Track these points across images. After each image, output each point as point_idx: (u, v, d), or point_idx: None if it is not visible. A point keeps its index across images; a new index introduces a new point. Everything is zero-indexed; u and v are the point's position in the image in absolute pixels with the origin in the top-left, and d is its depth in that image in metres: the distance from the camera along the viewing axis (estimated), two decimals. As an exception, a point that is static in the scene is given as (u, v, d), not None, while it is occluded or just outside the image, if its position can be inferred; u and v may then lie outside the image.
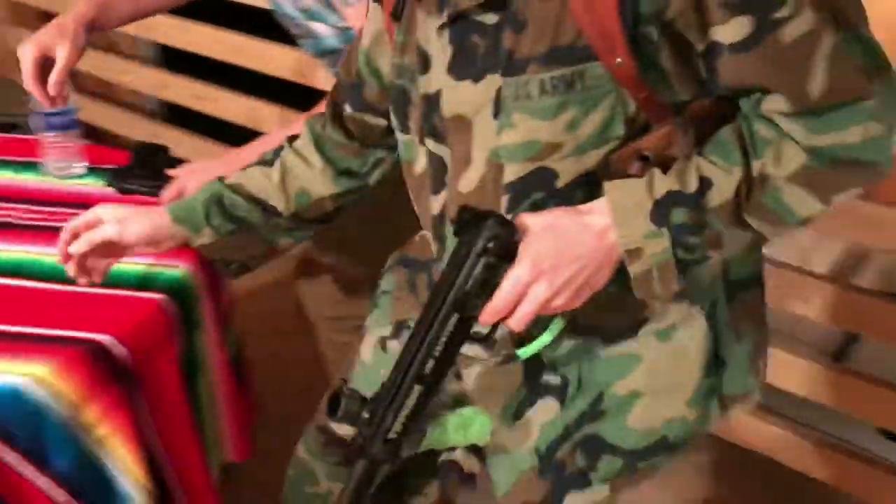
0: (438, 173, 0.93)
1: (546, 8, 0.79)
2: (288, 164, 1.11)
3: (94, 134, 2.38)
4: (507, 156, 0.85)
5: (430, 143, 0.93)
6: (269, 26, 1.58)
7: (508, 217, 0.83)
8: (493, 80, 0.84)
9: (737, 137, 0.79)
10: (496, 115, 0.84)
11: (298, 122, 1.17)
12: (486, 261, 0.79)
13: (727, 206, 0.79)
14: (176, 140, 2.51)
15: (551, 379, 0.95)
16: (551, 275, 0.79)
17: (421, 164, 0.96)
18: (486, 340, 0.86)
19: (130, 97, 2.76)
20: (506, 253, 0.79)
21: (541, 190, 0.85)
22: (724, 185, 0.78)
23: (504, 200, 0.87)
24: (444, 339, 0.81)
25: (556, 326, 0.85)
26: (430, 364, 0.83)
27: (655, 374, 0.94)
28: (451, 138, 0.90)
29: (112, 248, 1.08)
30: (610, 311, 0.88)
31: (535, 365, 0.95)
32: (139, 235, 1.07)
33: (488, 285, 0.79)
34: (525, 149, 0.84)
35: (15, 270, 1.19)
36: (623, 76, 0.79)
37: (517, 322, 0.80)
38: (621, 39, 0.76)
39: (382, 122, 1.06)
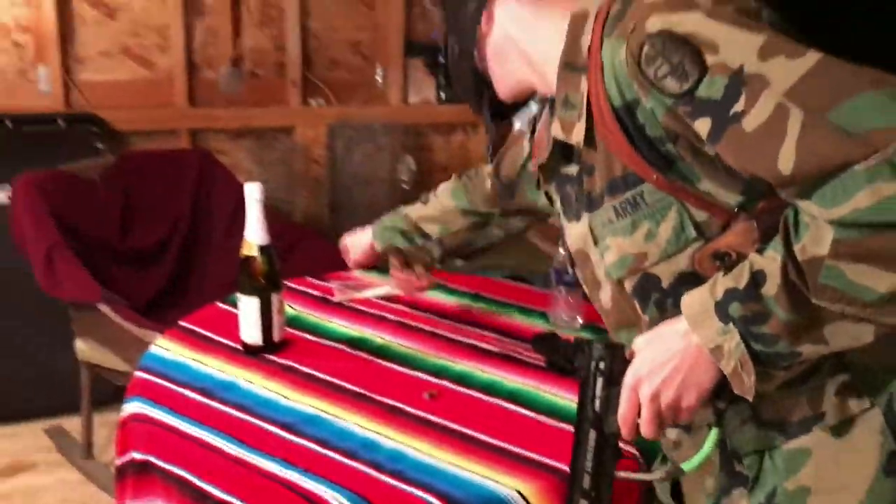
0: (587, 295, 1.15)
1: (600, 152, 0.99)
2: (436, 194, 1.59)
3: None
4: (614, 272, 1.02)
5: (576, 272, 1.15)
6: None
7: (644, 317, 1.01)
8: (585, 217, 1.05)
9: (782, 225, 0.86)
10: (595, 243, 1.04)
11: None
12: (601, 380, 0.94)
13: (782, 293, 0.84)
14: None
15: (742, 469, 1.02)
16: (649, 377, 0.92)
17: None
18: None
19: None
20: (617, 371, 0.93)
21: (655, 291, 1.00)
22: (774, 273, 0.84)
23: (637, 305, 1.03)
24: (589, 453, 0.94)
25: (712, 439, 0.93)
26: (587, 479, 0.94)
27: (825, 471, 0.96)
28: (579, 268, 1.11)
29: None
30: (786, 404, 0.96)
31: (727, 456, 1.03)
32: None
33: (610, 401, 0.94)
34: (622, 263, 1.01)
35: (516, 399, 1.36)
36: (665, 187, 0.94)
37: (645, 429, 0.93)
38: (643, 162, 0.94)
39: (520, 222, 1.59)
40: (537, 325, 1.67)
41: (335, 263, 2.28)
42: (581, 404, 0.96)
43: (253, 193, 1.46)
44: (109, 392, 2.34)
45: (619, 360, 0.95)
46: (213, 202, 2.61)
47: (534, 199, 1.46)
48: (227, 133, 3.07)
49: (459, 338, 1.59)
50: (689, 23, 0.87)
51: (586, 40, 0.97)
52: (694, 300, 0.91)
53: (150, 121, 2.94)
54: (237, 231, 1.50)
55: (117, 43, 2.90)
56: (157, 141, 2.95)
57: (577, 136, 1.00)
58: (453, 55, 1.13)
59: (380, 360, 1.49)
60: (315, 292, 1.78)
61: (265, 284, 1.46)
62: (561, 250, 1.69)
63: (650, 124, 0.92)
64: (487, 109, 1.18)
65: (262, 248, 1.47)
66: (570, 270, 1.25)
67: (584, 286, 1.14)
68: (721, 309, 0.88)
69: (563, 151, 1.07)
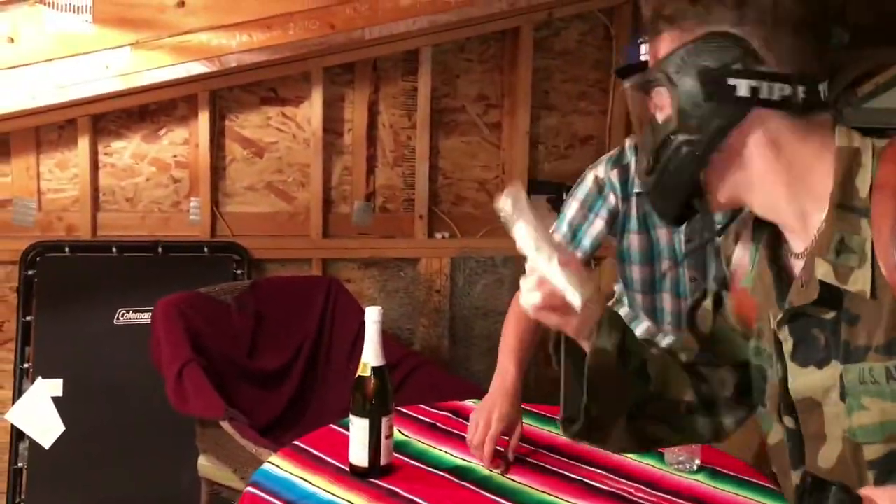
0: (796, 448, 1.03)
1: (878, 305, 0.91)
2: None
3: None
4: (863, 436, 0.93)
5: (787, 420, 1.04)
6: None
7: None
8: (836, 367, 0.96)
9: None
10: (843, 397, 0.95)
11: None
12: None
13: None
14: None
15: None
16: None
17: (775, 436, 1.08)
18: None
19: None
20: None
21: None
22: None
23: (870, 476, 0.93)
24: None
25: None
26: None
27: None
28: (802, 417, 1.01)
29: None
30: None
31: None
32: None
33: None
34: (882, 429, 0.92)
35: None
36: None
37: None
38: None
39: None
40: (651, 465, 1.60)
41: (451, 392, 2.29)
42: None
43: (372, 316, 1.51)
44: (226, 510, 2.39)
45: None
46: (337, 327, 2.70)
47: (733, 348, 1.20)
48: (355, 262, 3.21)
49: (568, 473, 1.54)
50: None
51: (864, 181, 0.92)
52: None
53: (286, 250, 3.13)
54: (358, 356, 1.54)
55: (262, 179, 3.14)
56: (292, 269, 3.11)
57: (862, 284, 0.92)
58: (679, 155, 0.99)
59: (484, 492, 1.47)
60: (426, 419, 1.78)
61: (376, 406, 1.49)
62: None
63: None
64: (675, 213, 1.06)
65: (376, 370, 1.50)
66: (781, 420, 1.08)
67: (796, 436, 1.02)
68: None
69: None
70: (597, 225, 1.80)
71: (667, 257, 1.85)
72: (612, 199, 1.80)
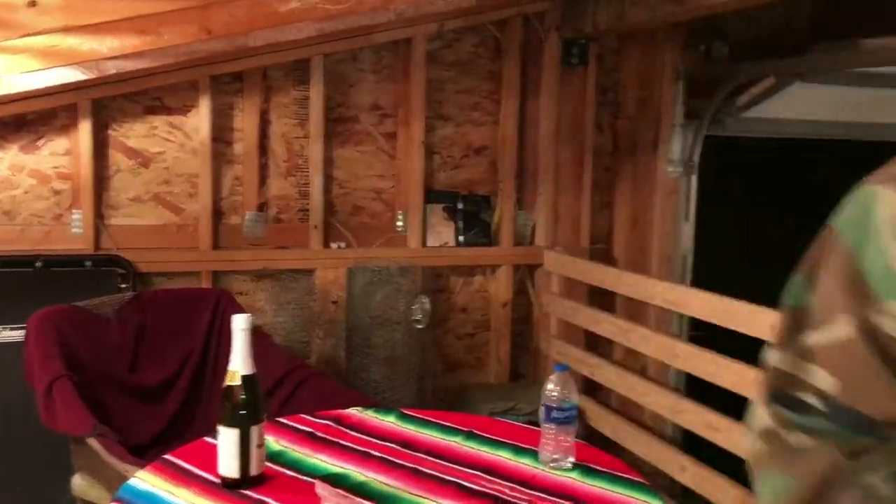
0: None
1: None
2: None
3: (609, 445, 2.53)
4: None
5: None
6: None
7: None
8: None
9: None
10: None
11: None
12: None
13: None
14: (680, 466, 2.52)
15: None
16: None
17: None
18: None
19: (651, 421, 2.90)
20: None
21: None
22: None
23: None
24: None
25: None
26: None
27: None
28: None
29: None
30: None
31: None
32: None
33: None
34: None
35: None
36: None
37: None
38: None
39: None
40: (525, 464, 1.61)
41: (341, 402, 2.26)
42: None
43: (239, 324, 1.48)
44: (107, 533, 2.30)
45: None
46: (226, 340, 2.62)
47: None
48: (247, 274, 3.15)
49: (444, 476, 1.54)
50: None
51: None
52: None
53: (174, 262, 3.04)
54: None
55: (149, 190, 3.05)
56: (180, 282, 3.03)
57: None
58: None
59: (358, 498, 1.45)
60: (305, 428, 1.76)
61: (245, 416, 1.46)
62: (549, 385, 1.66)
63: None
64: None
65: (245, 379, 1.47)
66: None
67: None
68: None
69: None
70: None
71: None
72: None
